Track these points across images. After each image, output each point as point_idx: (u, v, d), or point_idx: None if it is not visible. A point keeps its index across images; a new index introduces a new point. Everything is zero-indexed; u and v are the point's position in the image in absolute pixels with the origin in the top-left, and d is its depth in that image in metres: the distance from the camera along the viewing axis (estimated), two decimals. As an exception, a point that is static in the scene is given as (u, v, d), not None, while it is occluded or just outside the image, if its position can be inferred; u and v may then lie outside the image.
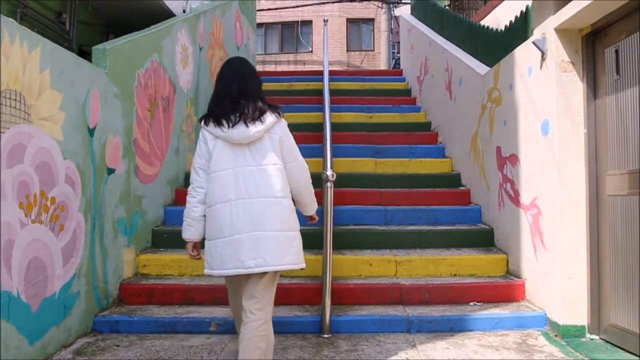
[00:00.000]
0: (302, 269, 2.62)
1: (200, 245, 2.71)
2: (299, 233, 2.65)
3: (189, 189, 2.68)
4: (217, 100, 2.68)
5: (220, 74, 2.75)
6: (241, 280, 2.58)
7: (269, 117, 2.60)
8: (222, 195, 2.52)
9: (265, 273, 2.50)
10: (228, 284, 2.76)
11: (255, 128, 2.54)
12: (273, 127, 2.62)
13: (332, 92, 6.55)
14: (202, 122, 2.66)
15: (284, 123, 2.69)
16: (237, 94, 2.61)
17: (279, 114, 2.66)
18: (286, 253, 2.52)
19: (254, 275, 2.50)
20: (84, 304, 3.40)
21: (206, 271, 2.59)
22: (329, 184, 3.63)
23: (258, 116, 2.57)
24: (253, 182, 2.52)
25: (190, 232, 2.66)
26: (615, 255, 3.12)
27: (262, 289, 2.52)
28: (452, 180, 5.55)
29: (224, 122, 2.56)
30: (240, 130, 2.54)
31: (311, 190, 2.78)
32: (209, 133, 2.62)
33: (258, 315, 2.48)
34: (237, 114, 2.56)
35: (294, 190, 2.69)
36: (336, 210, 4.54)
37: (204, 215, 2.63)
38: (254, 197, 2.51)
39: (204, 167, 2.63)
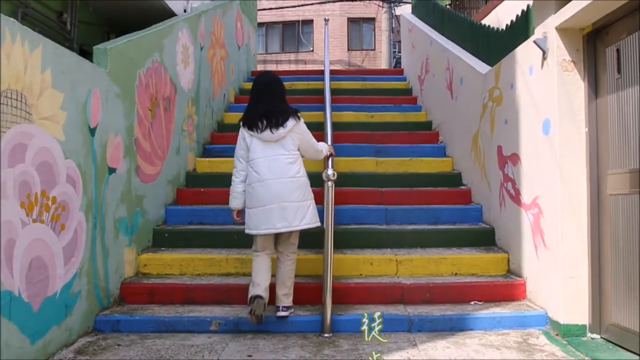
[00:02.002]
0: (318, 227, 3.55)
1: (241, 212, 3.62)
2: (313, 201, 3.56)
3: (234, 171, 3.60)
4: (248, 111, 3.60)
5: (252, 88, 3.70)
6: (271, 238, 3.53)
7: (291, 122, 3.51)
8: (258, 177, 3.44)
9: (290, 232, 3.50)
10: (260, 240, 3.53)
11: (278, 132, 3.47)
12: (294, 128, 3.53)
13: (333, 92, 6.55)
14: (241, 124, 3.59)
15: (302, 123, 3.61)
16: (263, 109, 3.51)
17: (298, 117, 3.57)
18: (304, 216, 3.46)
19: (284, 233, 3.50)
20: (85, 303, 3.40)
21: (246, 231, 3.53)
22: (330, 183, 3.63)
23: (282, 123, 3.48)
24: (279, 167, 3.45)
25: (235, 202, 3.59)
26: (616, 254, 3.12)
27: (290, 243, 3.58)
28: (453, 179, 5.54)
29: (254, 129, 3.49)
30: (267, 134, 3.47)
31: (322, 154, 3.85)
32: (246, 132, 3.53)
33: (291, 257, 3.59)
34: (264, 122, 3.47)
35: (309, 158, 3.76)
36: (337, 209, 4.53)
37: (244, 190, 3.53)
38: (280, 177, 3.43)
39: (244, 156, 3.55)
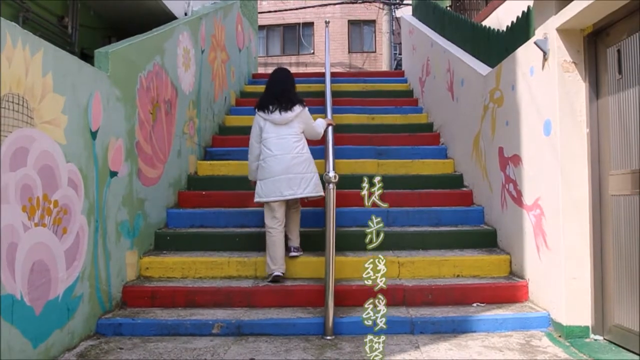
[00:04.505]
0: (321, 196, 4.14)
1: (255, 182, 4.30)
2: (317, 173, 4.20)
3: (249, 150, 4.33)
4: (264, 95, 4.33)
5: (268, 79, 4.52)
6: (280, 204, 4.12)
7: (297, 108, 4.23)
8: (270, 153, 4.13)
9: (295, 199, 4.17)
10: (270, 206, 4.12)
11: (287, 115, 4.18)
12: (299, 114, 4.23)
13: (334, 94, 6.55)
14: (256, 109, 4.29)
15: (306, 110, 4.31)
16: (276, 94, 4.24)
17: (304, 105, 4.28)
18: (307, 186, 4.11)
19: (291, 201, 4.18)
20: (87, 306, 3.40)
21: (256, 199, 4.16)
22: (331, 185, 3.63)
23: (290, 107, 4.19)
24: (286, 145, 4.13)
25: (251, 176, 4.39)
26: (618, 255, 3.12)
27: (296, 206, 4.30)
28: (455, 181, 5.54)
29: (265, 110, 4.21)
30: (276, 116, 4.18)
31: (320, 134, 4.47)
32: (260, 116, 4.25)
33: (296, 210, 4.32)
34: (275, 105, 4.19)
35: (310, 139, 4.39)
36: (338, 212, 4.50)
37: (257, 167, 4.23)
38: (287, 153, 4.10)
39: (257, 139, 4.23)
